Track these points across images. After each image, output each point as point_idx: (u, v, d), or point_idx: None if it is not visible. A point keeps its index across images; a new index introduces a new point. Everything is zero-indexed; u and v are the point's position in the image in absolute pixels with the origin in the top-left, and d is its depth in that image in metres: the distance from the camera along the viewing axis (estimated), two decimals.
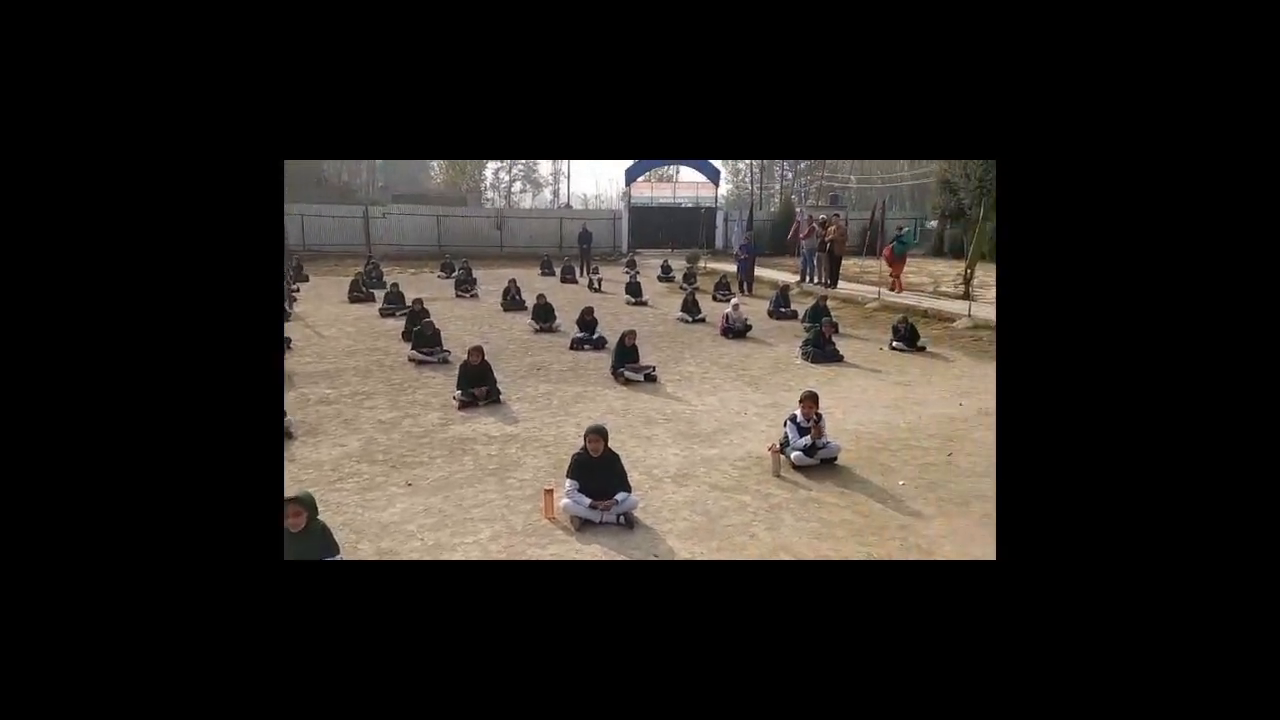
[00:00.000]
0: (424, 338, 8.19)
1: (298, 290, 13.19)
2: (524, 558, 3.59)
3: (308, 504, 3.16)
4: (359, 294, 12.74)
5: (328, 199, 27.48)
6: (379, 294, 12.56)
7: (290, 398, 6.33)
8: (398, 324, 10.05)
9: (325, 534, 3.26)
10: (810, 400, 4.91)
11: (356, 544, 3.69)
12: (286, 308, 10.64)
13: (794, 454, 4.82)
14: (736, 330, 9.71)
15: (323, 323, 10.65)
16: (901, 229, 13.69)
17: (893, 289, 12.77)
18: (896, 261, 13.24)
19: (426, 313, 9.43)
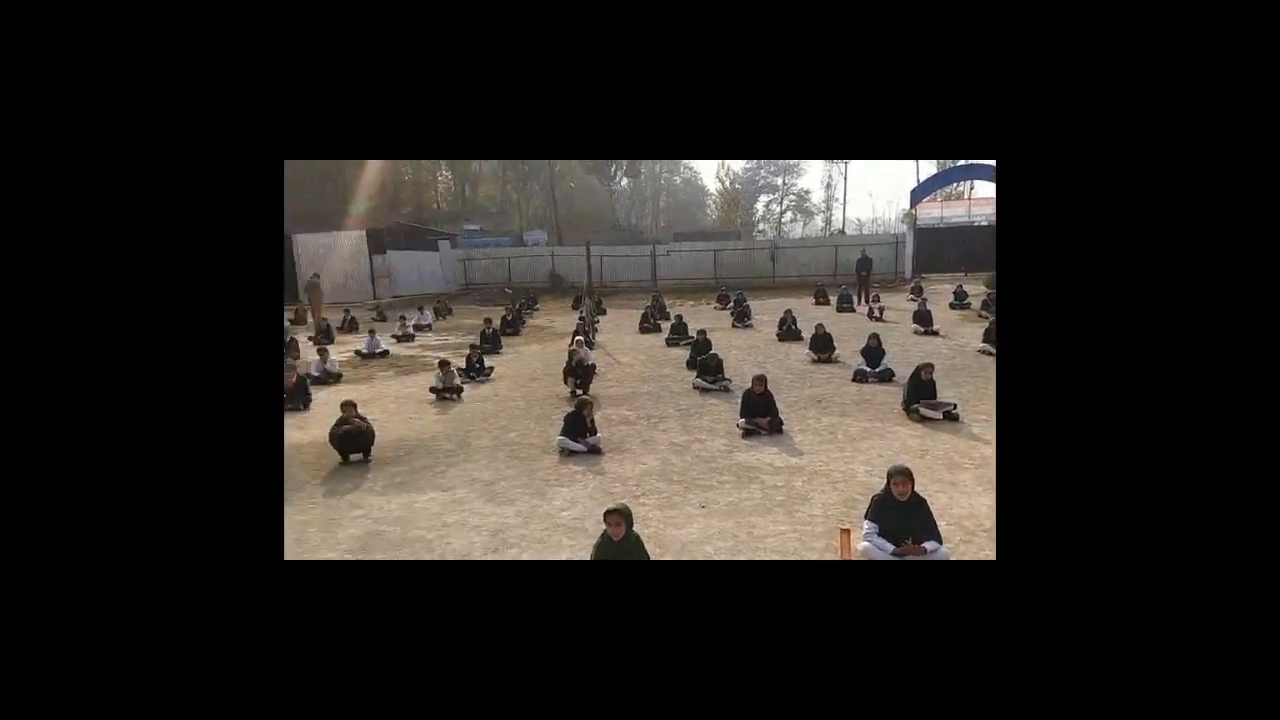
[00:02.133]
0: (708, 367, 8.61)
1: (598, 322, 14.97)
2: None
3: (626, 516, 3.45)
4: (648, 325, 13.97)
5: (622, 239, 30.86)
6: (665, 325, 13.62)
7: (598, 417, 7.15)
8: (682, 353, 10.74)
9: (640, 544, 3.52)
10: None
11: (661, 556, 3.98)
12: (590, 338, 12.10)
13: None
14: None
15: (619, 350, 11.90)
16: None
17: None
18: None
19: (709, 344, 9.91)
